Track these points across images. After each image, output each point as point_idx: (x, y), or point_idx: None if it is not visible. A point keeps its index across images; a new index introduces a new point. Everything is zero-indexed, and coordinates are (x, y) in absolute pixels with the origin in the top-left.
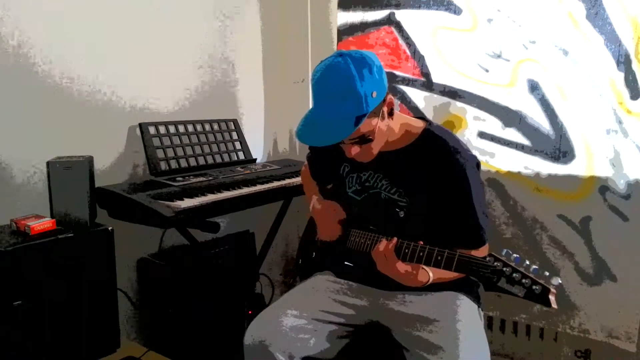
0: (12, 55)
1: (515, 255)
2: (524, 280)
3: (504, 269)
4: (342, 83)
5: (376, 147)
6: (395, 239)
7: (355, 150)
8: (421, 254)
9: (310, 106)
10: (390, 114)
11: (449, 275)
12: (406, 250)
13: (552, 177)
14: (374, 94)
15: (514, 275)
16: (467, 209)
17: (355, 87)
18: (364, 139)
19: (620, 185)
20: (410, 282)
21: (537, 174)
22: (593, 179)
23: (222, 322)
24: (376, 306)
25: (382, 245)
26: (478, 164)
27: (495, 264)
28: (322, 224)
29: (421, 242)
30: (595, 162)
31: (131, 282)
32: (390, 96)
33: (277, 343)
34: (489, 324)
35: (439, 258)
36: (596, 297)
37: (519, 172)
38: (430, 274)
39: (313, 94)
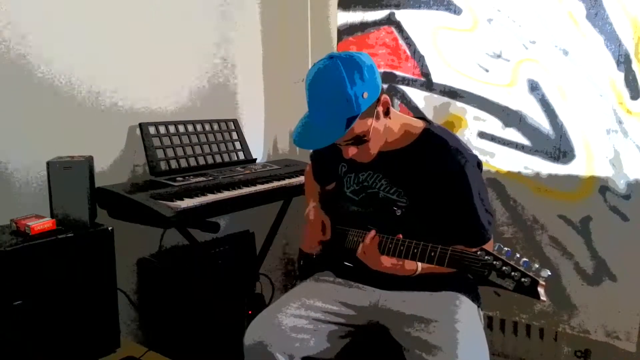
0: (12, 56)
1: (506, 249)
2: (513, 273)
3: (495, 262)
4: (332, 86)
5: (374, 147)
6: (376, 236)
7: (352, 151)
8: (415, 250)
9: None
10: (387, 113)
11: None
12: (401, 248)
13: (552, 177)
14: (365, 95)
15: (504, 268)
16: (468, 208)
17: (345, 90)
18: (359, 140)
19: (620, 185)
20: (398, 272)
21: (537, 174)
22: (593, 179)
23: (222, 322)
24: (376, 306)
25: (364, 242)
26: (479, 163)
27: (486, 257)
28: (307, 236)
29: (400, 235)
30: (595, 162)
31: (131, 282)
32: (385, 96)
33: (277, 343)
34: (489, 324)
35: (432, 254)
36: (596, 297)
37: (519, 172)
38: (418, 263)
39: (307, 98)
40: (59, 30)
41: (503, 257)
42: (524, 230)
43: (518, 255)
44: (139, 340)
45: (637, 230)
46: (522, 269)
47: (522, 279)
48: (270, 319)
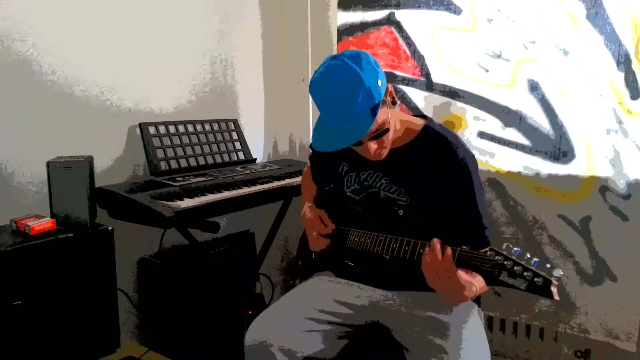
0: (12, 56)
1: (515, 248)
2: (525, 273)
3: (505, 262)
4: (348, 81)
5: (389, 140)
6: (449, 248)
7: (373, 146)
8: (422, 250)
9: (311, 107)
10: (394, 102)
11: (483, 285)
12: (406, 248)
13: (552, 177)
14: (379, 82)
15: (515, 268)
16: (471, 208)
17: (362, 80)
18: (381, 132)
19: (620, 185)
20: (461, 295)
21: (537, 174)
22: (593, 179)
23: (222, 322)
24: (376, 306)
25: (435, 256)
26: (475, 162)
27: (497, 257)
28: (309, 235)
29: (438, 240)
30: (595, 162)
31: (131, 282)
32: (390, 85)
33: (278, 343)
34: (489, 324)
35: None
36: (596, 297)
37: (519, 172)
38: (477, 286)
39: (320, 101)
40: (59, 30)
41: (513, 257)
42: (524, 230)
43: (528, 255)
44: (139, 340)
45: (637, 230)
46: (533, 268)
47: (535, 279)
48: (271, 319)
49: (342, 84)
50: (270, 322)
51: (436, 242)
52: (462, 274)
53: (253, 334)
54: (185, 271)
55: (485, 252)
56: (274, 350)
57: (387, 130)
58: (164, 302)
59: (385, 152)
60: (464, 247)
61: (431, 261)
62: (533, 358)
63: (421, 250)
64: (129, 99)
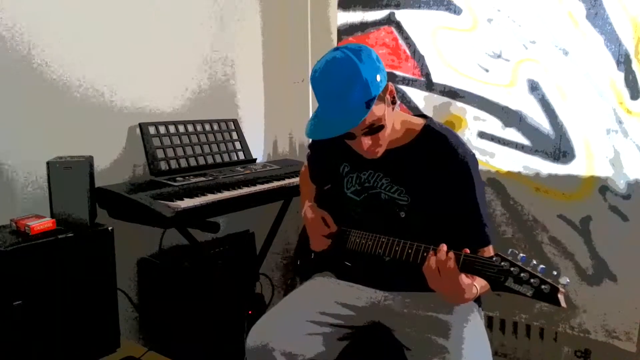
0: (12, 56)
1: (521, 254)
2: (532, 280)
3: (511, 268)
4: (346, 71)
5: (385, 138)
6: (451, 252)
7: (367, 142)
8: (425, 254)
9: (311, 106)
10: (393, 102)
11: (484, 284)
12: (409, 251)
13: (552, 177)
14: (378, 77)
15: (522, 275)
16: (472, 206)
17: (360, 72)
18: (375, 128)
19: (620, 185)
20: (461, 298)
21: (537, 174)
22: (593, 179)
23: (222, 322)
24: (377, 306)
25: (439, 261)
26: (476, 161)
27: (502, 263)
28: (311, 235)
29: (447, 247)
30: (595, 162)
31: (131, 282)
32: (390, 84)
33: (279, 346)
34: (489, 324)
35: None
36: (596, 297)
37: (519, 172)
38: (477, 287)
39: (318, 92)
40: (59, 31)
41: (519, 263)
42: (524, 230)
43: (534, 262)
44: (139, 340)
45: (637, 230)
46: (540, 275)
47: (542, 286)
48: (272, 322)
49: (340, 74)
50: (272, 325)
51: (443, 248)
52: (463, 277)
53: (254, 338)
54: (185, 271)
55: (491, 257)
56: (276, 355)
57: (382, 127)
58: (164, 302)
59: (380, 151)
60: (468, 252)
61: (435, 265)
62: (533, 358)
63: (425, 254)
64: (129, 99)
